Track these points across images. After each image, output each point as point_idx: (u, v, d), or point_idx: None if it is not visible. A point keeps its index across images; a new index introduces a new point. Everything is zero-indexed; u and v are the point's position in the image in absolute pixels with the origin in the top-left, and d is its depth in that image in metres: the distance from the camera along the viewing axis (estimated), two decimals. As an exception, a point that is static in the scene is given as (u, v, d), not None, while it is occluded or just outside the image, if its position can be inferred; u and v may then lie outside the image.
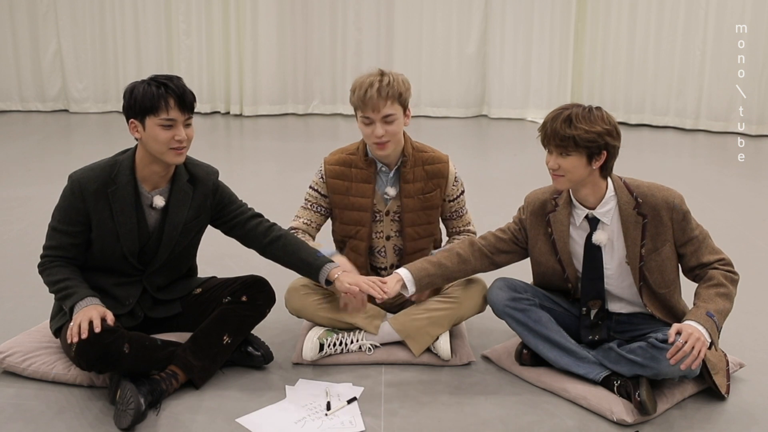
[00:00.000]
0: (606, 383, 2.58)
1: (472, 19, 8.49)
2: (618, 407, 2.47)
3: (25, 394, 2.60)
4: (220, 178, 2.82)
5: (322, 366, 2.82)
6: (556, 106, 2.57)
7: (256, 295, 2.75)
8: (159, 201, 2.66)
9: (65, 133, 7.93)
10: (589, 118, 2.44)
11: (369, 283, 2.68)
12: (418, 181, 2.92)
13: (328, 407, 2.52)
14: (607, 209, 2.58)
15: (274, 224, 2.84)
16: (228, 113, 8.74)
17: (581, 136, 2.42)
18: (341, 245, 3.04)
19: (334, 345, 2.84)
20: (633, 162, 6.50)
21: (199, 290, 2.84)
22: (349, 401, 2.57)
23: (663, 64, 7.99)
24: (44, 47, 8.62)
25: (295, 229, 2.95)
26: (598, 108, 2.50)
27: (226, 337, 2.68)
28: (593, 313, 2.68)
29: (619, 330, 2.71)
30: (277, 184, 5.81)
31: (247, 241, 2.84)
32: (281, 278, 2.95)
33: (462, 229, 3.08)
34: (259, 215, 2.86)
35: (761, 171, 6.48)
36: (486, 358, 2.90)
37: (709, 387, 2.61)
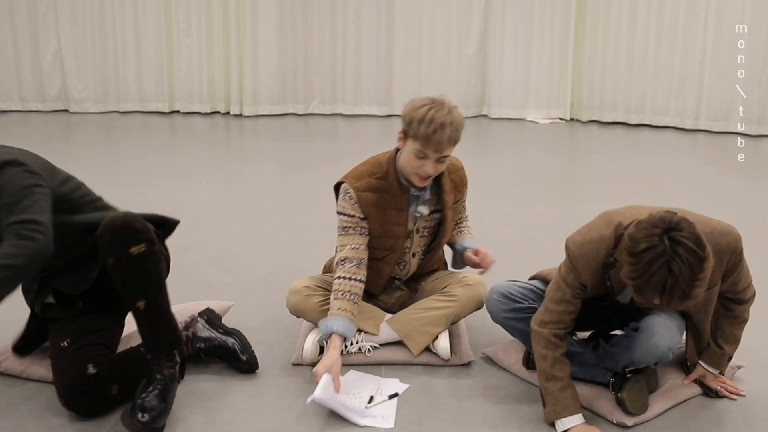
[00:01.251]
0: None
1: (472, 19, 8.49)
2: (617, 410, 2.47)
3: (25, 394, 2.60)
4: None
5: (322, 366, 2.81)
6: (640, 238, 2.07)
7: (116, 249, 2.34)
8: None
9: (65, 133, 7.93)
10: (691, 264, 2.02)
11: None
12: (450, 191, 2.83)
13: (370, 400, 2.56)
14: None
15: None
16: (228, 113, 8.74)
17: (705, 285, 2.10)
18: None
19: (334, 346, 2.84)
20: (633, 162, 6.52)
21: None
22: (391, 396, 2.59)
23: (663, 64, 7.99)
24: (44, 47, 8.62)
25: (344, 260, 2.70)
26: (679, 229, 2.06)
27: (139, 304, 2.38)
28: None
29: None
30: (277, 184, 5.80)
31: None
32: (282, 278, 2.95)
33: (461, 220, 3.09)
34: None
35: (761, 171, 6.47)
36: (486, 358, 2.90)
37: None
